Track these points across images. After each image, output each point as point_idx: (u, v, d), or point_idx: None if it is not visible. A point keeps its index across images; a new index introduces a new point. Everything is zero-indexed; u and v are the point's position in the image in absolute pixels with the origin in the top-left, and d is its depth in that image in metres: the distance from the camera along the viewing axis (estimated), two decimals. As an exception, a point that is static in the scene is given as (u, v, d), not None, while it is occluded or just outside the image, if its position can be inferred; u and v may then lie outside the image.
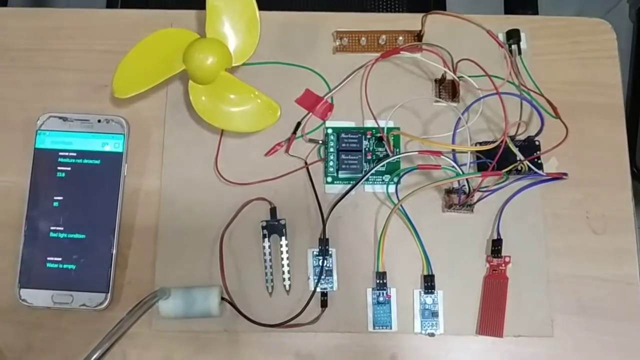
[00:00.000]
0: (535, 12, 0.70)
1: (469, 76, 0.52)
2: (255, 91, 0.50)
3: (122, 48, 0.54)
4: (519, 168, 0.50)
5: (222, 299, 0.50)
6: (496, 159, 0.47)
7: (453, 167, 0.47)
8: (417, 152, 0.48)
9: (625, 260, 0.52)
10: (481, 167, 0.52)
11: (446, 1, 0.82)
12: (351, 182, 0.53)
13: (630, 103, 0.54)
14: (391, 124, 0.54)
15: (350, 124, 0.55)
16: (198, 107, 0.51)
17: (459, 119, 0.48)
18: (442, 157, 0.47)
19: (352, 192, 0.52)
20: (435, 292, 0.51)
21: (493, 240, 0.51)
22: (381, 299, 0.51)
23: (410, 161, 0.53)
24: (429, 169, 0.49)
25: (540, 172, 0.47)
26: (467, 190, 0.49)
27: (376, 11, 0.82)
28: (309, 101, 0.55)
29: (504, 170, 0.47)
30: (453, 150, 0.49)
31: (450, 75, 0.52)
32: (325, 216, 0.52)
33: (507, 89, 0.51)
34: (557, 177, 0.48)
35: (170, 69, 0.51)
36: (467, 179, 0.48)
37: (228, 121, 0.51)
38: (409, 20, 0.56)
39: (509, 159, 0.50)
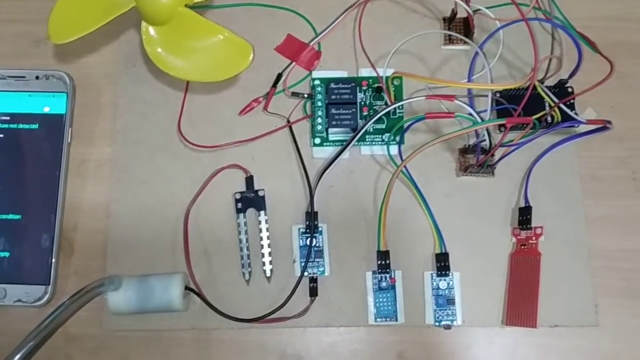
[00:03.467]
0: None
1: (486, 7, 0.42)
2: (221, 29, 0.40)
3: (67, -7, 0.44)
4: (550, 117, 0.41)
5: (187, 288, 0.40)
6: (524, 102, 0.37)
7: (470, 114, 0.37)
8: (424, 98, 0.38)
9: (684, 230, 0.42)
10: (502, 116, 0.42)
11: None
12: (344, 143, 0.43)
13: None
14: (390, 73, 0.44)
15: (342, 74, 0.45)
16: (152, 53, 0.41)
17: (476, 54, 0.38)
18: (455, 102, 0.37)
19: (345, 154, 0.43)
20: (451, 274, 0.41)
21: (520, 209, 0.42)
22: (384, 284, 0.41)
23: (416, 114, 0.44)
24: (440, 117, 0.39)
25: (579, 118, 0.38)
26: (487, 147, 0.40)
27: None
28: (292, 49, 0.46)
29: (533, 117, 0.37)
30: (469, 91, 0.39)
31: (462, 8, 0.43)
32: (313, 185, 0.42)
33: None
34: (600, 125, 0.38)
35: (118, 6, 0.41)
36: (487, 131, 0.38)
37: (188, 68, 0.41)
38: (410, -52, 0.47)
39: (536, 108, 0.41)
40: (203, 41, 0.41)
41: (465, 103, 0.37)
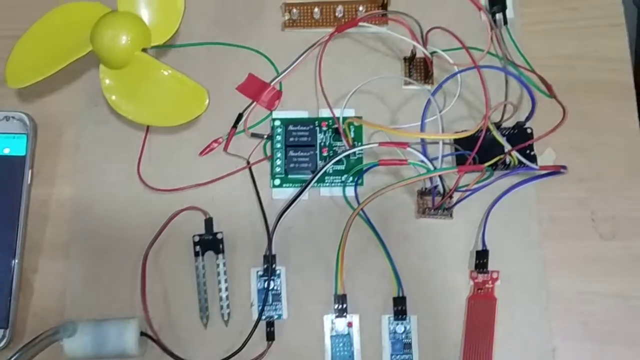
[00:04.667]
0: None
1: (443, 50, 0.42)
2: (175, 74, 0.41)
3: (29, 32, 0.44)
4: (507, 161, 0.41)
5: (143, 334, 0.40)
6: (476, 149, 0.37)
7: (422, 161, 0.37)
8: (377, 144, 0.38)
9: (642, 272, 0.42)
10: (460, 161, 0.42)
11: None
12: (303, 185, 0.43)
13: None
14: (351, 113, 0.44)
15: (303, 114, 0.45)
16: (109, 96, 0.41)
17: (429, 101, 0.38)
18: (408, 149, 0.37)
19: (304, 196, 0.43)
20: (408, 318, 0.41)
21: (477, 252, 0.42)
22: (341, 328, 0.41)
23: (375, 158, 0.44)
24: (393, 164, 0.40)
25: (532, 165, 0.38)
26: (442, 191, 0.40)
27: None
28: (253, 88, 0.46)
29: (486, 164, 0.37)
30: (422, 140, 0.39)
31: (420, 51, 0.43)
32: (271, 227, 0.42)
33: (489, 64, 0.42)
34: (554, 171, 0.38)
35: (76, 50, 0.41)
36: (441, 177, 0.38)
37: (145, 113, 0.42)
38: (371, -12, 0.47)
39: (495, 150, 0.41)
40: (158, 86, 0.41)
41: (418, 150, 0.37)
